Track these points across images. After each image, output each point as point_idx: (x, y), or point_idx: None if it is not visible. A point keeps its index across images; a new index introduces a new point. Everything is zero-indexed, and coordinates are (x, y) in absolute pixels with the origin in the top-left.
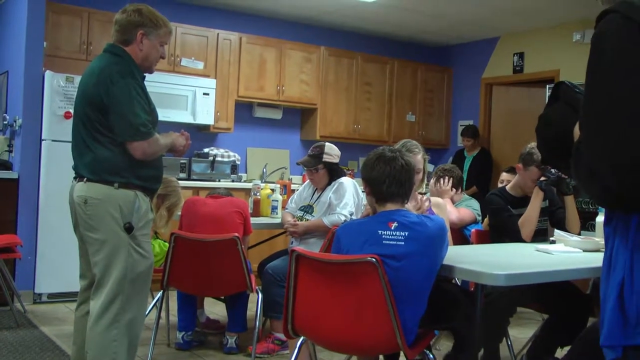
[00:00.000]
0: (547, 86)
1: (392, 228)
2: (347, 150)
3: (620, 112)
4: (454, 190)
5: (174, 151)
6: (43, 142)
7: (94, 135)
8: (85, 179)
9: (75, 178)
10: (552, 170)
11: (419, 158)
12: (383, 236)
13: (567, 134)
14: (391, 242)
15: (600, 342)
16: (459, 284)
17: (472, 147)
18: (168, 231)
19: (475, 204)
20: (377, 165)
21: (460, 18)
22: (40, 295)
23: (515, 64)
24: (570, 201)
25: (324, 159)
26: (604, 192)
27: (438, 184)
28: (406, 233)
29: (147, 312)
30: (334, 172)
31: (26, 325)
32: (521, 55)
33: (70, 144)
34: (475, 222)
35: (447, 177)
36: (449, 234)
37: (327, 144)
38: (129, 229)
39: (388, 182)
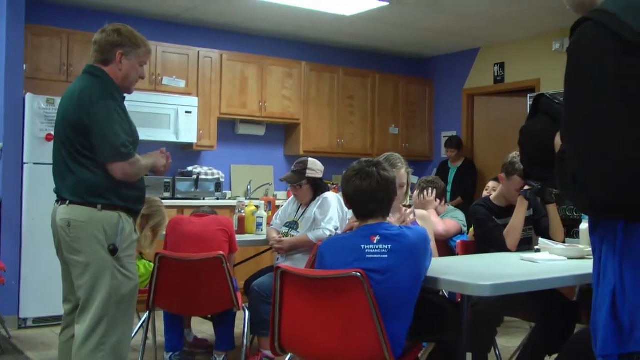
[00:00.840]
0: (528, 95)
1: (375, 242)
2: (331, 164)
3: (599, 121)
4: (438, 201)
5: (155, 171)
6: (25, 165)
7: (75, 158)
8: (67, 201)
9: (57, 201)
10: None
11: (402, 172)
12: (366, 250)
13: (548, 145)
14: (375, 256)
15: (596, 352)
16: (446, 295)
17: (456, 158)
18: (153, 251)
19: (461, 215)
20: (353, 181)
21: (440, 30)
22: (25, 320)
23: (496, 74)
24: (553, 209)
25: (307, 175)
26: (589, 200)
27: (422, 196)
28: (389, 246)
29: (134, 334)
30: (318, 187)
31: (11, 351)
32: (502, 66)
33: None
34: (460, 232)
35: (430, 189)
36: (433, 244)
37: (309, 159)
38: (113, 250)
39: (365, 199)
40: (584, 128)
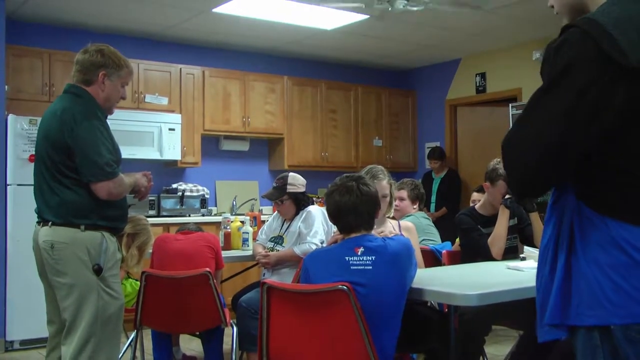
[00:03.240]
0: (510, 105)
1: (359, 253)
2: (316, 178)
3: (550, 116)
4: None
5: (135, 192)
6: (8, 186)
7: (57, 178)
8: (50, 222)
9: (38, 222)
10: None
11: (384, 184)
12: (351, 262)
13: None
14: (359, 268)
15: (545, 321)
16: (435, 306)
17: (439, 169)
18: (140, 270)
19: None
20: (333, 197)
21: (421, 41)
22: (12, 342)
23: (477, 84)
24: (535, 218)
25: (288, 190)
26: (517, 182)
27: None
28: (373, 257)
29: (122, 353)
30: (300, 202)
31: None
32: (483, 76)
33: None
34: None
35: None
36: (419, 256)
37: (290, 174)
38: (97, 270)
39: (345, 213)
40: (528, 116)
